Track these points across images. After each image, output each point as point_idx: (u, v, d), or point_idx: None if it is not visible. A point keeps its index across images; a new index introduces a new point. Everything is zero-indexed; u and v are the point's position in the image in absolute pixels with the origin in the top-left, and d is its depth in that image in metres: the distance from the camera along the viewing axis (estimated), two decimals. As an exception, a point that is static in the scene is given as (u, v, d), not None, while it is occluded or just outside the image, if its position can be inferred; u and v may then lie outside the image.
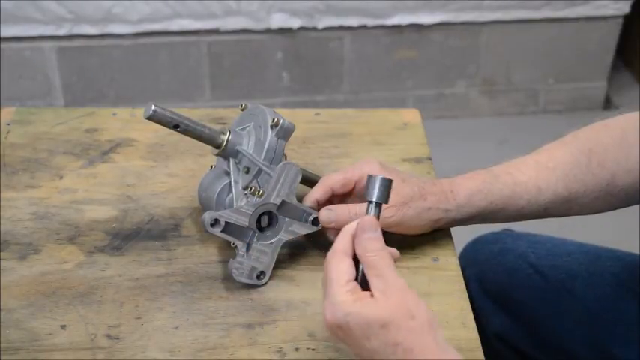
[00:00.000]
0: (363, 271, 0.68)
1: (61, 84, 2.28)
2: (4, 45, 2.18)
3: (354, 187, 0.85)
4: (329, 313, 0.65)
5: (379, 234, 0.69)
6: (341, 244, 0.69)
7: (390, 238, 0.86)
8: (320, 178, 0.87)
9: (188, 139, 0.85)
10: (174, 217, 0.92)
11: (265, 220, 0.82)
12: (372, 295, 0.65)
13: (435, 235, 0.88)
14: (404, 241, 0.87)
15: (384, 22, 2.29)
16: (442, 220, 0.85)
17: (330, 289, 0.66)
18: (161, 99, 2.28)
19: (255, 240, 0.81)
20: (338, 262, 0.67)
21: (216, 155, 0.87)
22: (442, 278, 0.84)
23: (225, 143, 0.85)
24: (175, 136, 0.86)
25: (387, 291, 0.65)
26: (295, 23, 2.25)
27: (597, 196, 0.85)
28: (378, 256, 0.67)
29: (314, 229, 0.84)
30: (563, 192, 0.85)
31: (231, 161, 0.86)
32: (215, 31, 2.25)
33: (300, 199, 0.84)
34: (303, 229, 0.84)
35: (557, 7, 2.35)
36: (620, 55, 2.62)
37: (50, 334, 0.77)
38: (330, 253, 0.69)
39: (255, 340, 0.77)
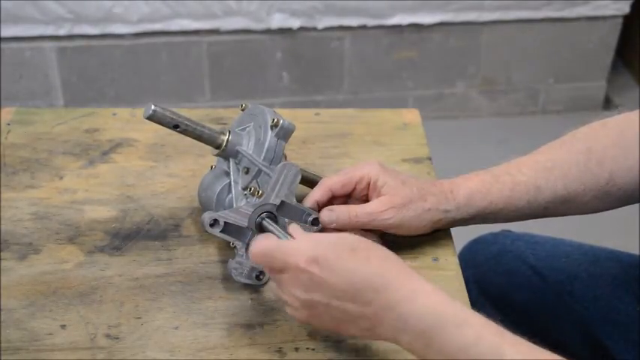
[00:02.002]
0: None
1: (61, 84, 2.28)
2: (4, 45, 2.19)
3: (354, 189, 0.85)
4: (301, 254, 0.68)
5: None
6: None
7: (390, 238, 0.86)
8: (320, 178, 0.87)
9: (188, 138, 0.85)
10: (174, 217, 0.92)
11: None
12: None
13: (435, 235, 0.88)
14: (404, 241, 0.87)
15: (384, 22, 2.29)
16: (442, 221, 0.85)
17: (289, 251, 0.69)
18: (161, 99, 2.29)
19: (254, 240, 0.81)
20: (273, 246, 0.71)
21: (216, 155, 0.87)
22: (442, 278, 0.84)
23: (225, 143, 0.85)
24: (175, 136, 0.86)
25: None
26: (295, 23, 2.25)
27: (596, 194, 0.85)
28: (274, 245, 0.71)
29: (313, 229, 0.84)
30: (563, 191, 0.85)
31: (231, 161, 0.86)
32: (215, 31, 2.25)
33: (300, 200, 0.84)
34: (302, 229, 0.84)
35: (557, 7, 2.35)
36: (620, 55, 2.62)
37: (50, 334, 0.77)
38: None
39: (255, 340, 0.77)
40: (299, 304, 0.70)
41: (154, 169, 0.99)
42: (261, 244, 0.71)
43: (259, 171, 0.84)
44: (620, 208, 0.89)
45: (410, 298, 0.65)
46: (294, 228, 0.76)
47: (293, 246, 0.70)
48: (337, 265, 0.67)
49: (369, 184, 0.84)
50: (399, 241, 0.86)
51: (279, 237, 0.76)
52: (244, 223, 0.80)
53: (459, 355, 0.62)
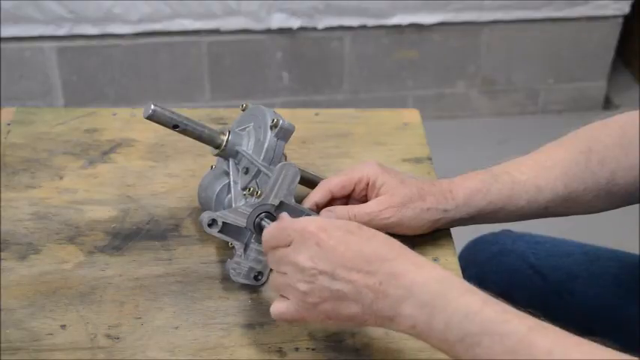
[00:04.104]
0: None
1: (61, 84, 2.28)
2: (4, 45, 2.19)
3: (353, 189, 0.85)
4: (313, 221, 0.70)
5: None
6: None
7: (390, 238, 0.86)
8: (320, 178, 0.87)
9: (188, 138, 0.85)
10: (174, 217, 0.92)
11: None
12: None
13: (435, 235, 0.88)
14: (404, 242, 0.86)
15: (384, 22, 2.29)
16: (441, 221, 0.85)
17: (300, 220, 0.72)
18: (161, 99, 2.28)
19: (253, 240, 0.81)
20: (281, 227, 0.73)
21: (216, 155, 0.87)
22: (442, 278, 0.84)
23: (224, 143, 0.85)
24: (175, 136, 0.86)
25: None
26: (295, 23, 2.25)
27: (597, 194, 0.85)
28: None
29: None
30: (563, 191, 0.85)
31: (231, 161, 0.86)
32: (215, 31, 2.25)
33: (299, 200, 0.84)
34: (302, 230, 0.84)
35: (557, 7, 2.35)
36: (620, 55, 2.62)
37: (50, 334, 0.77)
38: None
39: (255, 340, 0.77)
40: (300, 276, 0.68)
41: (154, 169, 0.99)
42: (275, 223, 0.75)
43: (259, 171, 0.84)
44: (620, 208, 0.89)
45: (415, 268, 0.66)
46: (283, 215, 0.78)
47: (304, 218, 0.73)
48: (346, 237, 0.68)
49: (368, 185, 0.84)
50: (399, 242, 0.86)
51: None
52: (243, 223, 0.80)
53: (463, 324, 0.62)
